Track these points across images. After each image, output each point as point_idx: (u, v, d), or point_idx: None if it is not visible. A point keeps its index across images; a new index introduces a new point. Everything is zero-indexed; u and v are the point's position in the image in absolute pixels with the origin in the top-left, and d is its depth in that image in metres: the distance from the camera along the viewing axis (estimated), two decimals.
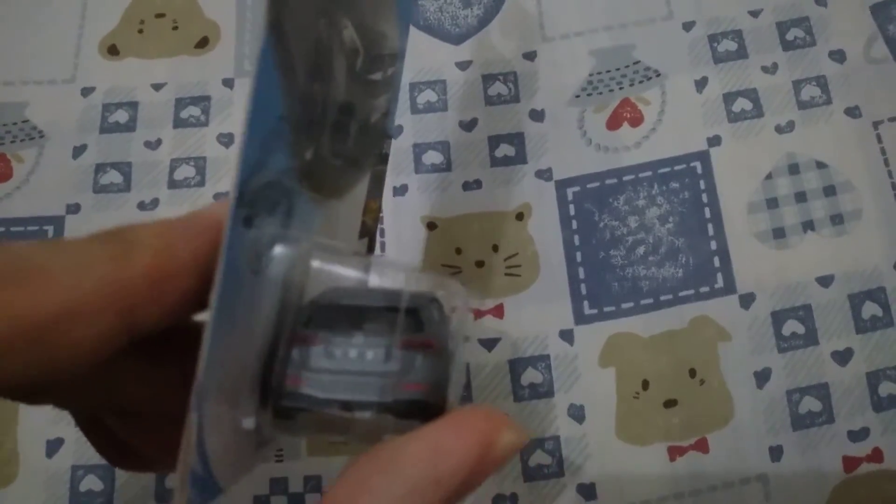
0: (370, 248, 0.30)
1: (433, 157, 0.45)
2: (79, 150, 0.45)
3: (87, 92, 0.46)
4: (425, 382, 0.20)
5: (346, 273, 0.21)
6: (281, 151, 0.20)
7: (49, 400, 0.21)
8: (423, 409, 0.20)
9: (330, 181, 0.24)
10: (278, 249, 0.20)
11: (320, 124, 0.22)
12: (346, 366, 0.20)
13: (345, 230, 0.26)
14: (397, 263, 0.31)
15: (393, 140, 0.32)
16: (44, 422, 0.40)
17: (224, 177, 0.44)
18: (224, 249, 0.17)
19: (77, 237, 0.18)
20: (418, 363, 0.20)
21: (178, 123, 0.45)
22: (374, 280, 0.21)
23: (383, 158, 0.29)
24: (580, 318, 0.42)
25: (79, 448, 0.39)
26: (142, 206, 0.43)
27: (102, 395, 0.21)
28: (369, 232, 0.29)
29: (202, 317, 0.19)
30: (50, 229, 0.43)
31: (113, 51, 0.47)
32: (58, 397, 0.21)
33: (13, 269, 0.16)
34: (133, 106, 0.46)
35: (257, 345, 0.20)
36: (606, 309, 0.42)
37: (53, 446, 0.40)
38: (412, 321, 0.20)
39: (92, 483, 0.39)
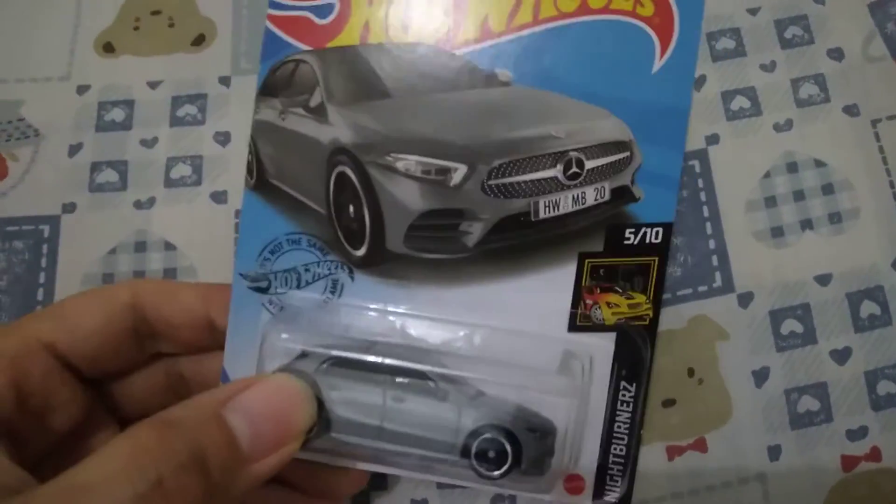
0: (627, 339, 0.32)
1: None
2: (74, 149, 0.44)
3: (82, 90, 0.46)
4: None
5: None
6: (303, 251, 0.32)
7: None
8: None
9: (412, 271, 0.31)
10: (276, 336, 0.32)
11: (362, 231, 0.32)
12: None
13: (522, 315, 0.31)
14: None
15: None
16: None
17: (220, 175, 0.44)
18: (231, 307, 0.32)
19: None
20: None
21: (175, 122, 0.45)
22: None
23: (619, 250, 0.31)
24: None
25: None
26: (138, 204, 0.43)
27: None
28: (601, 326, 0.31)
29: None
30: (46, 229, 0.43)
31: (108, 48, 0.47)
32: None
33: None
34: (129, 104, 0.45)
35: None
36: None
37: None
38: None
39: None
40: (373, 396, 0.30)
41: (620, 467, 0.32)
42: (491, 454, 0.30)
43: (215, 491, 0.25)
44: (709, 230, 0.43)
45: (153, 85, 0.46)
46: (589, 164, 0.32)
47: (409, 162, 0.31)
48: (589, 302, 0.32)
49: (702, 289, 0.42)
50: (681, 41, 0.32)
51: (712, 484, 0.39)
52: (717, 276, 0.42)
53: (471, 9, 0.32)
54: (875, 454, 0.40)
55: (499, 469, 0.30)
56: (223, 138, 0.44)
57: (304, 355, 0.31)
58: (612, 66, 0.32)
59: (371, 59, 0.32)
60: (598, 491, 0.32)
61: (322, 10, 0.32)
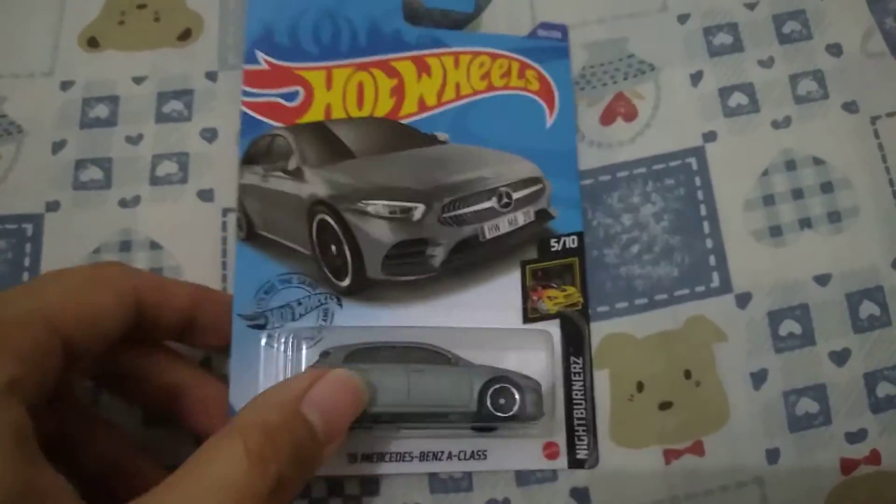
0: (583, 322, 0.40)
1: None
2: (58, 146, 0.43)
3: (66, 86, 0.44)
4: None
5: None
6: (294, 289, 0.38)
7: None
8: None
9: (392, 292, 0.39)
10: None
11: (344, 265, 0.39)
12: None
13: (489, 318, 0.39)
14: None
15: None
16: None
17: (207, 173, 0.43)
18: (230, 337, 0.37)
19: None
20: None
21: (161, 118, 0.44)
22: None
23: (549, 256, 0.41)
24: None
25: None
26: (123, 203, 0.42)
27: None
28: (547, 315, 0.40)
29: None
30: (29, 227, 0.42)
31: (93, 43, 0.46)
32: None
33: None
34: (114, 100, 0.44)
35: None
36: (600, 309, 0.41)
37: None
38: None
39: None
40: (397, 372, 0.36)
41: (584, 427, 0.39)
42: (502, 401, 0.37)
43: (307, 477, 0.30)
44: (706, 229, 0.42)
45: (138, 80, 0.45)
46: (516, 195, 0.40)
47: (377, 206, 0.38)
48: (534, 298, 0.40)
49: (699, 289, 0.41)
50: (561, 104, 0.43)
51: (710, 488, 0.39)
52: (715, 275, 0.41)
53: (408, 91, 0.42)
54: (874, 457, 0.39)
55: (510, 411, 0.37)
56: (210, 135, 0.44)
57: (326, 354, 0.37)
58: (518, 125, 0.42)
59: (335, 130, 0.41)
60: (571, 451, 0.39)
61: (289, 96, 0.41)
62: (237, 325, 0.37)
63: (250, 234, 0.39)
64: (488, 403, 0.37)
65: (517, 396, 0.37)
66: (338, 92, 0.41)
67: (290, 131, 0.40)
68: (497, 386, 0.37)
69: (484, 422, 0.37)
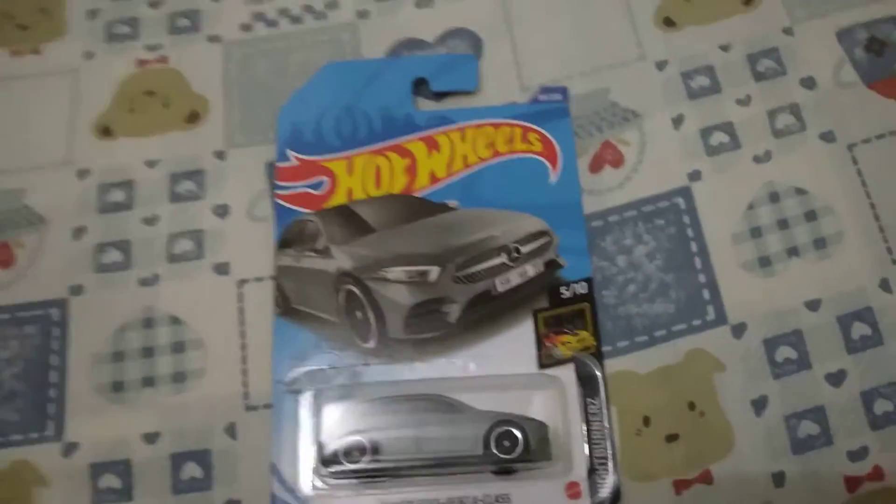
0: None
1: None
2: (78, 232, 0.46)
3: (83, 174, 0.47)
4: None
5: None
6: (324, 354, 0.42)
7: None
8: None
9: (413, 350, 0.42)
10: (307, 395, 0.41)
11: (369, 328, 0.42)
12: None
13: (502, 365, 0.42)
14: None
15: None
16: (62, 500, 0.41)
17: (221, 247, 0.45)
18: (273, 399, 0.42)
19: None
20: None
21: (174, 198, 0.46)
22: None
23: (559, 303, 0.43)
24: None
25: None
26: (143, 282, 0.44)
27: None
28: (561, 360, 0.42)
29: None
30: (55, 312, 0.44)
31: (106, 132, 0.48)
32: None
33: None
34: (129, 184, 0.47)
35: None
36: (603, 349, 0.43)
37: None
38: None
39: None
40: (406, 424, 0.40)
41: (605, 466, 0.40)
42: (506, 443, 0.39)
43: None
44: (698, 265, 0.44)
45: (151, 164, 0.47)
46: (524, 249, 0.43)
47: (396, 272, 0.42)
48: (548, 344, 0.42)
49: (696, 322, 0.43)
50: (564, 162, 0.46)
51: None
52: (710, 309, 0.43)
53: (420, 167, 0.46)
54: (877, 473, 0.40)
55: (514, 452, 0.39)
56: (222, 211, 0.46)
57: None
58: (523, 185, 0.45)
59: (357, 210, 0.45)
60: (593, 491, 0.40)
61: (316, 185, 0.46)
62: (276, 390, 0.41)
63: (286, 308, 0.43)
64: (493, 447, 0.39)
65: (521, 438, 0.39)
66: (358, 176, 0.46)
67: (318, 216, 0.45)
68: (501, 430, 0.39)
69: (491, 465, 0.39)
